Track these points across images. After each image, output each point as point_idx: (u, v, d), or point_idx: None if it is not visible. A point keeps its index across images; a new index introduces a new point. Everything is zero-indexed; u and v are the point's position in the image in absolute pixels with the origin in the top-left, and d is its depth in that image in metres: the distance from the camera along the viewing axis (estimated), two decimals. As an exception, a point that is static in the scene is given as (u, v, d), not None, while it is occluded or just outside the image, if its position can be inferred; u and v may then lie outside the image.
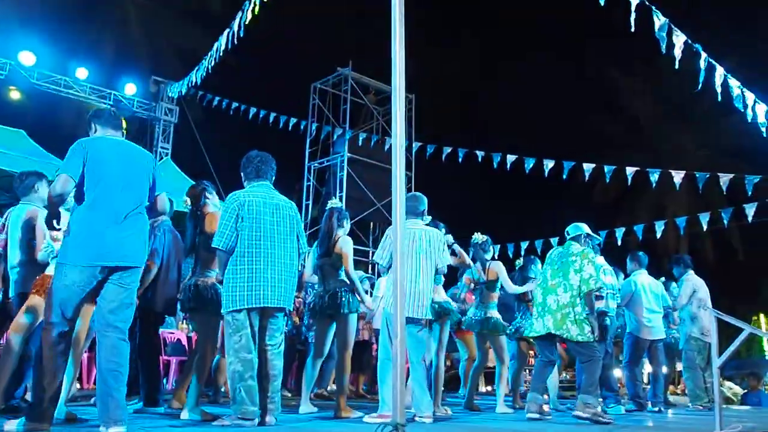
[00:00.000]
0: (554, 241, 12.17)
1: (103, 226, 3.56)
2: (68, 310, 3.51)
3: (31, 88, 13.15)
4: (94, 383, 6.48)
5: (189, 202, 5.03)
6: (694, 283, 7.47)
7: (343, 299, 5.21)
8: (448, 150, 12.07)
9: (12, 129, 11.12)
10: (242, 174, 4.53)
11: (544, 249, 12.37)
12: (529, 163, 11.01)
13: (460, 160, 11.87)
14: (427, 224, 5.19)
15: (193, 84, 12.81)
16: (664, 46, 6.67)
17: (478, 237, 6.51)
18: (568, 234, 5.64)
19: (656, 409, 6.93)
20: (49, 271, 4.31)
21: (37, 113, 14.11)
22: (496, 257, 12.15)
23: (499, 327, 6.32)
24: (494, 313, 6.32)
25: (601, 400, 5.52)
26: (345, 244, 5.35)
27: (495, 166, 11.31)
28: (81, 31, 17.03)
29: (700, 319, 7.33)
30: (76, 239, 3.54)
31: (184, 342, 8.91)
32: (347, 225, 5.61)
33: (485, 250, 6.47)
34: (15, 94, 12.99)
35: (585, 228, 5.68)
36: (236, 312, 4.15)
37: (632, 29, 6.26)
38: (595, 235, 6.01)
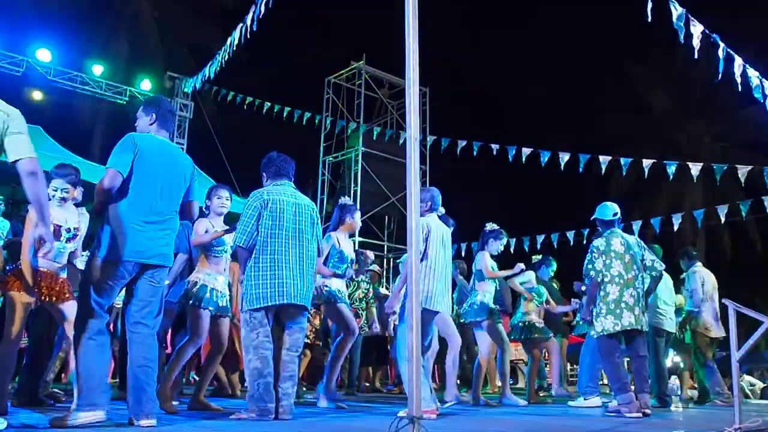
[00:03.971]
0: (570, 234, 12.14)
1: (140, 224, 3.58)
2: (102, 304, 3.54)
3: (47, 84, 13.26)
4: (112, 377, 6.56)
5: None
6: (701, 275, 7.35)
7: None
8: (462, 143, 12.03)
9: (29, 125, 11.20)
10: (263, 173, 4.55)
11: (560, 242, 12.32)
12: (545, 156, 10.95)
13: (474, 153, 11.83)
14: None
15: (207, 79, 12.86)
16: (682, 36, 6.59)
17: (489, 225, 6.50)
18: (616, 215, 5.52)
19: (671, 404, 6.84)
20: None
21: (54, 110, 14.25)
22: (512, 251, 12.21)
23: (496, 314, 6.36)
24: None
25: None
26: (326, 240, 5.48)
27: (510, 159, 11.26)
28: (96, 28, 17.09)
29: (703, 313, 7.19)
30: (112, 235, 3.55)
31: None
32: (350, 220, 5.68)
33: (496, 239, 6.41)
34: (33, 93, 13.10)
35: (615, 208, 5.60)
36: (254, 310, 4.17)
37: (649, 19, 6.19)
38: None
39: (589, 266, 5.43)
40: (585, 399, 6.35)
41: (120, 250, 3.52)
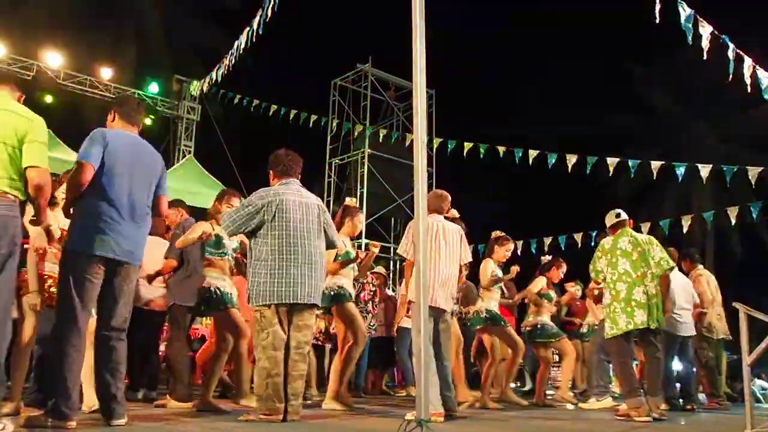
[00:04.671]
0: (578, 237, 12.09)
1: (111, 219, 3.57)
2: (81, 300, 3.49)
3: (57, 88, 13.34)
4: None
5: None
6: (707, 277, 7.32)
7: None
8: (469, 145, 12.00)
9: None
10: (270, 171, 4.55)
11: (567, 245, 12.26)
12: (552, 158, 10.91)
13: (481, 155, 11.80)
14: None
15: (214, 82, 12.91)
16: (690, 37, 6.56)
17: (495, 234, 6.53)
18: (620, 216, 5.53)
19: (689, 407, 6.78)
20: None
21: (63, 113, 14.29)
22: (518, 253, 12.16)
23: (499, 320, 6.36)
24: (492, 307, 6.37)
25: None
26: None
27: (516, 161, 11.22)
28: (105, 33, 17.19)
29: (708, 315, 7.14)
30: (83, 228, 3.55)
31: (208, 338, 8.97)
32: (350, 223, 5.69)
33: (501, 246, 6.42)
34: (44, 96, 13.17)
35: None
36: (265, 308, 4.16)
37: (657, 21, 6.17)
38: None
39: (591, 266, 5.46)
40: (597, 400, 6.32)
41: (91, 243, 3.50)
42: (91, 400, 4.36)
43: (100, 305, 3.66)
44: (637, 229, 11.05)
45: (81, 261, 3.52)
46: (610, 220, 5.60)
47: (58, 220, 4.27)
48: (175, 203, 5.56)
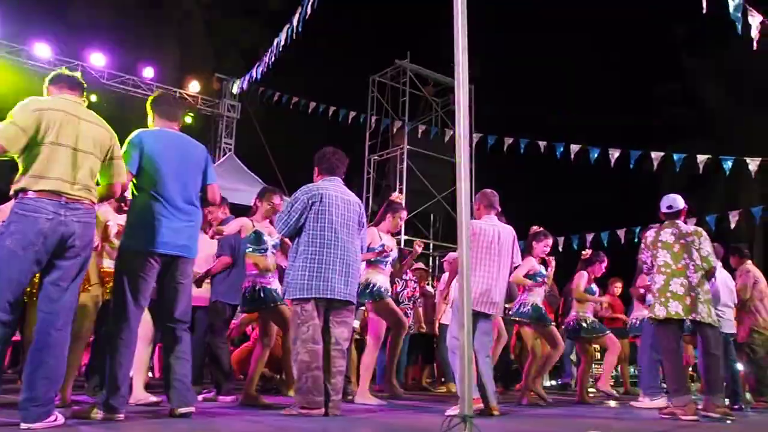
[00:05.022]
0: (620, 233, 11.89)
1: (160, 216, 3.69)
2: (134, 297, 3.61)
3: (102, 88, 13.64)
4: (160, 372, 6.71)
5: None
6: (755, 274, 7.11)
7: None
8: (509, 141, 11.90)
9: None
10: (315, 168, 4.59)
11: (610, 240, 12.07)
12: (594, 153, 10.75)
13: (522, 150, 11.68)
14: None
15: (254, 80, 13.03)
16: (739, 28, 6.38)
17: (533, 228, 6.49)
18: (671, 208, 5.41)
19: (735, 406, 6.62)
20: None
21: (108, 112, 14.59)
22: (560, 249, 12.02)
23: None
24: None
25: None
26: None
27: (558, 156, 11.08)
28: (147, 33, 17.49)
29: (759, 311, 6.93)
30: (135, 227, 3.68)
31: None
32: (391, 218, 5.70)
33: (539, 241, 6.36)
34: (89, 96, 13.49)
35: (681, 200, 5.47)
36: (304, 302, 4.19)
37: (704, 11, 6.01)
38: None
39: (637, 257, 5.43)
40: (651, 400, 6.22)
41: (144, 241, 3.63)
42: (139, 394, 4.47)
43: (160, 299, 3.80)
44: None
45: (134, 259, 3.64)
46: (663, 208, 5.47)
47: (116, 217, 4.41)
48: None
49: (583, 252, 7.16)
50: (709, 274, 5.16)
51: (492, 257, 4.90)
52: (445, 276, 8.10)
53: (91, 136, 3.35)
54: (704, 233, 5.26)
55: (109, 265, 4.42)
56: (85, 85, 3.62)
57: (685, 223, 5.45)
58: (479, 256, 4.83)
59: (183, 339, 3.79)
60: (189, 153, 3.94)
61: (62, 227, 3.15)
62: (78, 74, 3.66)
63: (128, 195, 3.79)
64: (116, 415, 3.47)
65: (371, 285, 5.47)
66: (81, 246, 3.23)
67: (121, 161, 3.54)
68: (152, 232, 3.65)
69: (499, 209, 5.15)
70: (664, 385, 6.67)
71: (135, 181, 3.75)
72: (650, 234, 5.39)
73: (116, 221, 4.46)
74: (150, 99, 4.11)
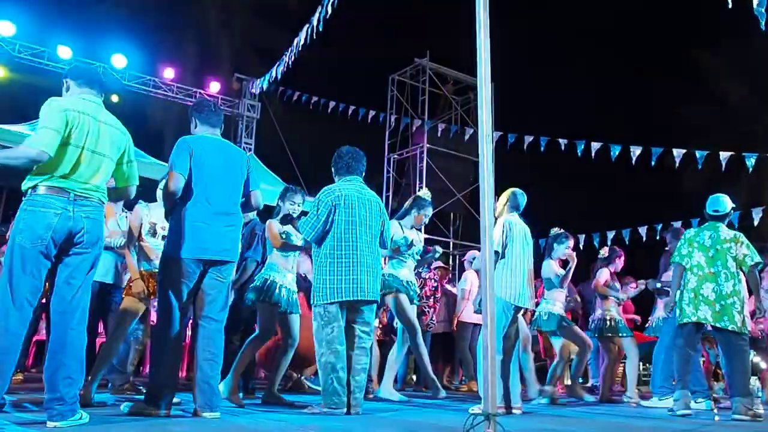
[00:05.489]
0: (642, 230, 11.78)
1: (203, 222, 3.73)
2: (177, 302, 3.68)
3: (123, 89, 13.80)
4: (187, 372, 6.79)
5: None
6: None
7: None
8: (529, 139, 11.84)
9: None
10: (333, 168, 4.62)
11: (631, 238, 11.98)
12: (615, 150, 10.66)
13: (542, 148, 11.62)
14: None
15: (274, 80, 13.09)
16: (762, 23, 6.30)
17: (553, 230, 6.46)
18: (717, 212, 5.36)
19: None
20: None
21: (129, 113, 14.76)
22: (581, 247, 11.94)
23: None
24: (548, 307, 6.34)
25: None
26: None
27: (579, 154, 11.01)
28: (168, 34, 17.65)
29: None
30: (178, 234, 3.72)
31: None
32: (416, 214, 5.77)
33: (560, 243, 6.33)
34: (111, 97, 13.65)
35: (729, 202, 5.41)
36: (328, 304, 4.22)
37: (730, 5, 5.93)
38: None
39: (675, 252, 5.39)
40: (659, 400, 6.17)
41: (185, 247, 3.67)
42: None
43: (201, 298, 3.81)
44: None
45: (177, 265, 3.69)
46: (709, 209, 5.44)
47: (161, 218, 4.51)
48: None
49: (601, 251, 7.12)
50: (752, 274, 5.10)
51: (527, 251, 4.96)
52: (467, 273, 8.09)
53: (109, 139, 3.38)
54: (743, 239, 5.18)
55: (149, 268, 4.60)
56: (104, 80, 3.64)
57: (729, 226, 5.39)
58: (516, 251, 4.86)
59: (217, 339, 3.81)
60: (233, 159, 3.96)
61: (70, 222, 3.17)
62: (96, 67, 3.70)
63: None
64: (161, 411, 3.56)
65: (393, 277, 5.50)
66: (89, 242, 3.25)
67: (135, 164, 3.59)
68: (196, 238, 3.69)
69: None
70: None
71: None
72: (691, 231, 5.41)
73: (161, 224, 4.57)
74: (191, 107, 4.16)
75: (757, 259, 5.16)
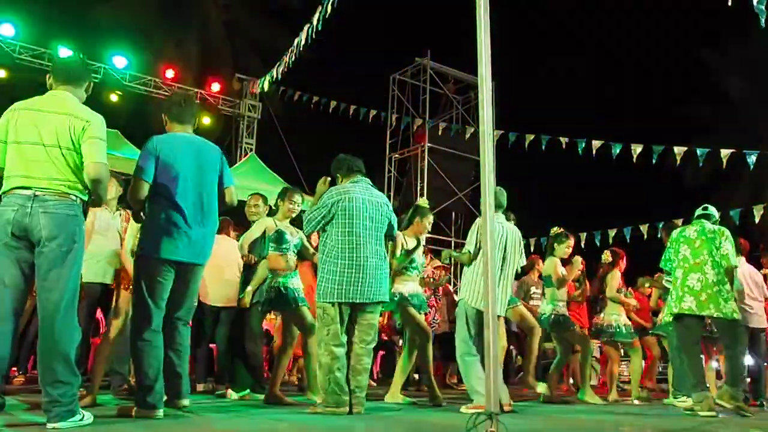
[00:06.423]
0: (643, 228, 11.77)
1: (175, 225, 3.68)
2: (153, 300, 3.64)
3: (123, 89, 13.80)
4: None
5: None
6: None
7: None
8: (530, 137, 11.83)
9: (108, 129, 11.67)
10: (337, 174, 4.61)
11: (632, 237, 11.96)
12: (616, 148, 10.65)
13: (543, 147, 11.60)
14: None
15: (275, 80, 13.08)
16: (763, 21, 6.30)
17: (553, 230, 6.45)
18: (706, 209, 5.45)
19: (758, 403, 6.53)
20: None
21: (129, 113, 14.77)
22: (582, 246, 11.91)
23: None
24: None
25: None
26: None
27: (580, 152, 11.00)
28: (168, 35, 17.64)
29: None
30: (150, 233, 3.69)
31: (273, 333, 9.13)
32: (419, 222, 5.68)
33: (561, 242, 6.31)
34: (111, 97, 13.66)
35: (716, 213, 5.54)
36: (328, 305, 4.22)
37: (729, 3, 5.93)
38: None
39: (663, 257, 5.44)
40: (676, 399, 6.17)
41: (160, 248, 3.63)
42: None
43: (169, 298, 3.77)
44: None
45: (151, 265, 3.66)
46: (698, 212, 5.52)
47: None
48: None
49: (603, 256, 7.06)
50: (728, 273, 5.10)
51: (509, 254, 4.94)
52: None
53: (53, 128, 3.22)
54: (727, 234, 5.24)
55: None
56: (86, 67, 3.63)
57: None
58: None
59: (184, 334, 3.85)
60: (204, 157, 3.88)
61: (26, 219, 3.12)
62: (78, 57, 3.64)
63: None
64: (154, 411, 3.54)
65: (401, 294, 5.43)
66: (50, 237, 3.13)
67: (96, 141, 3.29)
68: (169, 240, 3.64)
69: (504, 206, 5.12)
70: None
71: (152, 189, 3.70)
72: (675, 231, 5.44)
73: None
74: (162, 104, 4.11)
75: (734, 263, 5.18)
